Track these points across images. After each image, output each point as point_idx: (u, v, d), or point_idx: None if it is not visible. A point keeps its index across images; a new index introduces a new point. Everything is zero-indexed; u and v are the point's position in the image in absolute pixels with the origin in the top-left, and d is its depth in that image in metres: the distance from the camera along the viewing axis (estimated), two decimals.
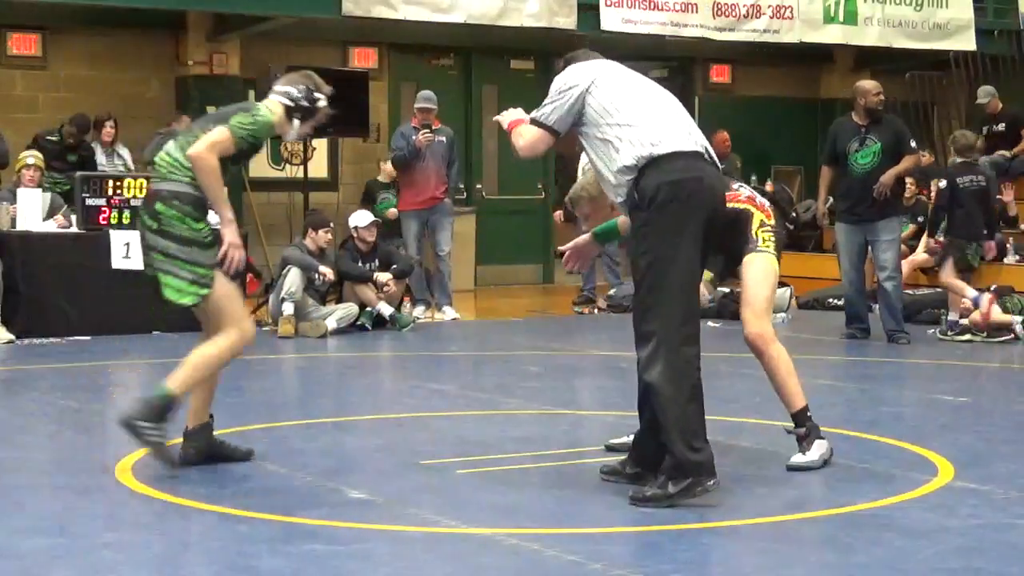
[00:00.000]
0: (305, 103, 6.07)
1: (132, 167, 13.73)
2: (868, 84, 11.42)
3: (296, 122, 6.06)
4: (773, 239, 6.17)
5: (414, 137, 12.85)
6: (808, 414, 6.06)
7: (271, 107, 6.03)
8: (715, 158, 5.54)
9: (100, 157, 13.72)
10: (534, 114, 5.55)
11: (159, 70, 15.55)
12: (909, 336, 11.12)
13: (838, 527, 5.12)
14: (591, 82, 5.47)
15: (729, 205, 5.71)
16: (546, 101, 5.52)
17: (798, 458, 6.00)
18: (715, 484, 5.28)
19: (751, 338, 6.04)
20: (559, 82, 5.55)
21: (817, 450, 6.01)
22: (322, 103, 6.12)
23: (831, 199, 11.96)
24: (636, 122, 5.38)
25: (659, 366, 5.26)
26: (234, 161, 5.99)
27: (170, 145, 6.06)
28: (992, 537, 4.97)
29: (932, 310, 12.46)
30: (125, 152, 13.98)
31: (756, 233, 6.07)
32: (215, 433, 6.13)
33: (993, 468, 6.18)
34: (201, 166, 5.78)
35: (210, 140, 5.81)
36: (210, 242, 5.85)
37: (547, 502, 5.51)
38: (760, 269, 6.08)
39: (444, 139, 13.15)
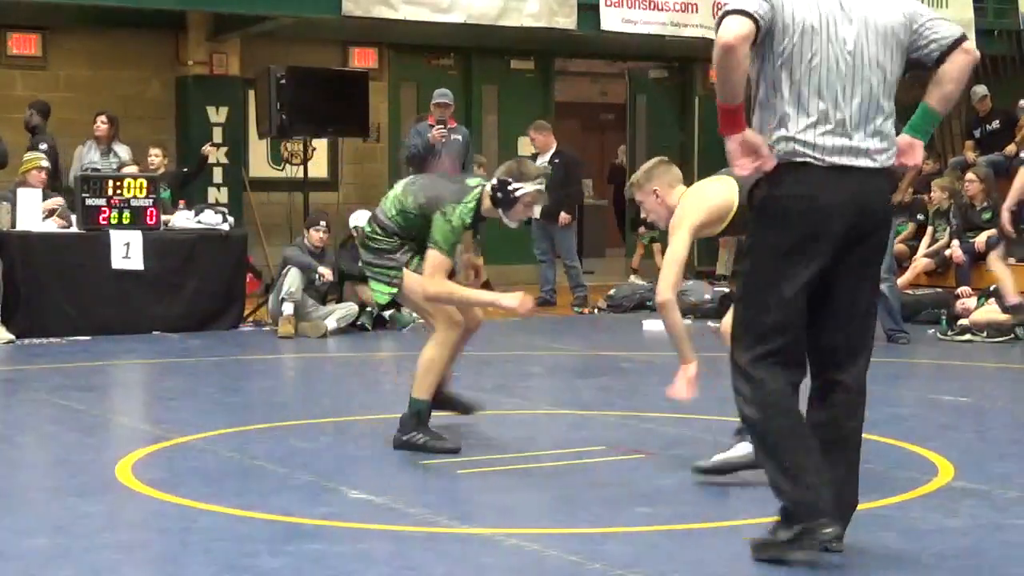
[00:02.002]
0: (500, 195, 6.26)
1: (127, 160, 13.49)
2: None
3: (501, 211, 6.30)
4: None
5: (428, 134, 12.84)
6: None
7: (480, 199, 6.29)
8: (878, 162, 4.47)
9: (94, 154, 13.54)
10: (722, 12, 4.35)
11: (159, 70, 15.56)
12: (909, 336, 11.11)
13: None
14: (791, 15, 4.37)
15: None
16: None
17: None
18: (831, 530, 4.42)
19: None
20: None
21: None
22: (521, 191, 6.24)
23: None
24: (802, 102, 4.39)
25: (736, 386, 4.56)
26: None
27: (399, 188, 6.50)
28: (992, 537, 4.97)
29: (932, 310, 12.45)
30: (122, 150, 13.72)
31: None
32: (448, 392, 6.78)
33: (993, 468, 6.18)
34: (424, 292, 6.25)
35: (430, 270, 6.20)
36: (396, 246, 6.39)
37: (547, 502, 5.50)
38: None
39: (460, 138, 13.13)
